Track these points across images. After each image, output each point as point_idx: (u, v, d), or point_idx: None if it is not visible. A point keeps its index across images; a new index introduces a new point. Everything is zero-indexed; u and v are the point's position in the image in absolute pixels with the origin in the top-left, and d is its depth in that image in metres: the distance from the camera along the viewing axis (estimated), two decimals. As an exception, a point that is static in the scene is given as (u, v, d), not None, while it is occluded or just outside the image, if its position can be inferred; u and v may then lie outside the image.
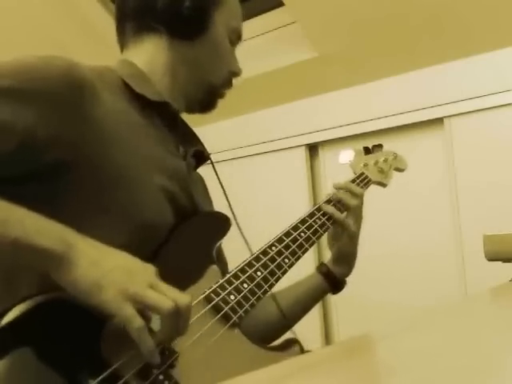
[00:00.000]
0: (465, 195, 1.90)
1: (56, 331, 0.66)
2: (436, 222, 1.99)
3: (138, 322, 0.64)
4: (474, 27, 1.83)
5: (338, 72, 2.13)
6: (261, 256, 0.90)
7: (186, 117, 1.01)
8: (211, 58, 0.95)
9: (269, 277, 0.88)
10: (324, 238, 1.09)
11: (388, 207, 2.00)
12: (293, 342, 0.89)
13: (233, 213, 0.96)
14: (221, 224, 0.92)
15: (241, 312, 0.81)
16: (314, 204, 1.06)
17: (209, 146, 1.01)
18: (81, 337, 0.66)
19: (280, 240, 0.95)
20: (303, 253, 0.96)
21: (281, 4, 2.11)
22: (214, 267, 0.86)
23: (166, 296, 0.66)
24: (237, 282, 0.84)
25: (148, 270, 0.69)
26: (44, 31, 2.30)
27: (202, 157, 1.00)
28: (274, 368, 0.51)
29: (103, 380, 0.64)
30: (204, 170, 1.03)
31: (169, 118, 0.93)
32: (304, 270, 1.09)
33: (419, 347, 0.50)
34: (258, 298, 0.85)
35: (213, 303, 0.79)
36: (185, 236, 0.86)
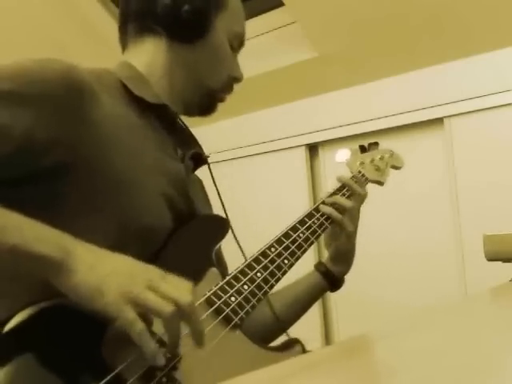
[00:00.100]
0: (465, 195, 1.90)
1: (58, 336, 0.66)
2: (436, 221, 1.99)
3: (138, 325, 0.64)
4: (474, 27, 1.83)
5: (337, 72, 2.13)
6: (260, 257, 0.90)
7: (184, 119, 1.01)
8: (210, 61, 0.95)
9: (269, 278, 0.89)
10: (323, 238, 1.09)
11: (388, 207, 2.00)
12: (294, 342, 0.89)
13: (226, 215, 0.96)
14: (220, 227, 0.92)
15: (242, 314, 0.82)
16: (314, 204, 1.07)
17: (209, 146, 1.01)
18: (83, 341, 0.66)
19: (279, 241, 0.95)
20: (302, 253, 0.96)
21: (281, 4, 2.11)
22: (214, 270, 0.86)
23: (167, 299, 0.66)
24: (237, 284, 0.84)
25: (148, 272, 0.69)
26: (44, 31, 2.30)
27: (200, 159, 1.00)
28: (275, 368, 0.51)
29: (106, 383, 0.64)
30: (203, 172, 1.03)
31: (167, 121, 0.94)
32: (304, 269, 1.09)
33: (419, 347, 0.50)
34: (259, 300, 0.85)
35: (215, 306, 0.79)
36: (184, 239, 0.86)
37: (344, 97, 2.18)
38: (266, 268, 0.89)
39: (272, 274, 0.89)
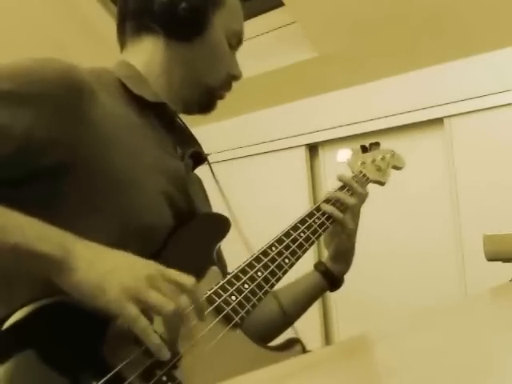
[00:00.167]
0: (465, 195, 1.90)
1: (59, 334, 0.66)
2: (436, 221, 1.99)
3: (142, 321, 0.64)
4: (474, 27, 1.83)
5: (338, 72, 2.13)
6: (261, 256, 0.90)
7: (187, 116, 1.01)
8: (208, 59, 0.95)
9: (269, 277, 0.89)
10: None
11: (388, 207, 2.00)
12: (294, 342, 0.89)
13: (232, 212, 0.96)
14: (221, 225, 0.92)
15: (242, 313, 0.82)
16: (314, 204, 1.07)
17: (209, 146, 1.01)
18: (84, 339, 0.66)
19: (280, 240, 0.95)
20: (303, 252, 0.96)
21: (281, 4, 2.11)
22: (215, 269, 0.87)
23: (168, 295, 0.66)
24: (238, 283, 0.84)
25: (149, 268, 0.69)
26: (44, 31, 2.30)
27: (199, 158, 1.01)
28: (275, 368, 0.51)
29: (107, 382, 0.64)
30: (203, 171, 1.03)
31: (166, 119, 0.94)
32: (304, 269, 1.09)
33: (419, 347, 0.50)
34: (259, 299, 0.85)
35: (215, 305, 0.79)
36: (185, 238, 0.86)
37: (344, 97, 2.18)
38: (266, 267, 0.89)
39: (273, 273, 0.89)
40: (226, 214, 0.96)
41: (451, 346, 0.50)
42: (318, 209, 1.04)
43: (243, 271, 0.86)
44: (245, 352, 0.81)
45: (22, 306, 0.65)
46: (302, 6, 1.99)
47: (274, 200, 2.33)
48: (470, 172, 1.90)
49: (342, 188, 1.10)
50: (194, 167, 1.02)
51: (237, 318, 0.81)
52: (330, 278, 1.09)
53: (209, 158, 1.01)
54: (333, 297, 2.17)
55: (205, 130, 1.33)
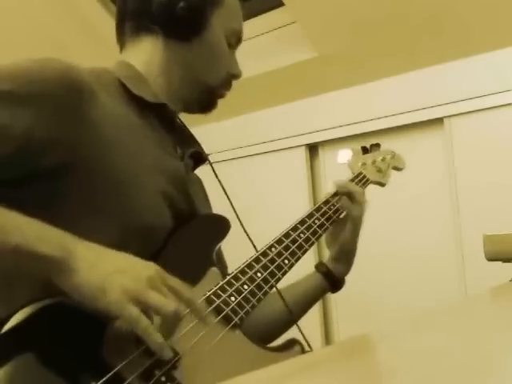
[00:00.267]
0: (465, 195, 1.90)
1: (57, 335, 0.66)
2: (436, 221, 1.99)
3: (144, 321, 0.64)
4: (474, 27, 1.83)
5: (338, 72, 2.13)
6: (261, 257, 0.90)
7: (187, 116, 1.01)
8: (207, 59, 0.95)
9: (269, 278, 0.88)
10: (323, 238, 1.09)
11: (388, 207, 2.00)
12: (294, 343, 0.89)
13: (236, 212, 0.96)
14: (220, 226, 0.92)
15: (242, 313, 0.82)
16: (314, 204, 1.07)
17: (209, 146, 1.01)
18: (83, 340, 0.66)
19: (279, 241, 0.95)
20: (303, 253, 0.96)
21: (281, 4, 2.11)
22: (215, 269, 0.87)
23: (168, 296, 0.67)
24: (237, 284, 0.84)
25: (149, 268, 0.69)
26: (44, 31, 2.30)
27: (199, 158, 1.00)
28: (274, 368, 0.51)
29: (106, 382, 0.64)
30: (204, 171, 1.03)
31: (166, 120, 0.94)
32: (304, 270, 1.09)
33: (419, 347, 0.50)
34: (259, 299, 0.85)
35: (214, 305, 0.79)
36: (185, 238, 0.86)
37: (344, 97, 2.18)
38: (266, 268, 0.89)
39: (272, 274, 0.89)
40: (227, 213, 0.95)
41: (451, 347, 0.50)
42: (317, 210, 1.04)
43: (243, 272, 0.86)
44: (244, 352, 0.81)
45: (21, 307, 0.65)
46: (302, 5, 1.99)
47: (274, 200, 2.33)
48: (470, 172, 1.90)
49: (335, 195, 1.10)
50: (195, 167, 1.02)
51: (236, 319, 0.81)
52: (332, 280, 1.09)
53: (209, 158, 1.01)
54: (333, 297, 2.17)
55: (205, 129, 1.33)
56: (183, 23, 0.91)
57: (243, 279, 0.85)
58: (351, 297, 1.99)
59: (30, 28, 2.30)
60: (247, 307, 0.83)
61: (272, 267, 0.90)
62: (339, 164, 2.21)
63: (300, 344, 0.89)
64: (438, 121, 1.98)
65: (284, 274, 0.92)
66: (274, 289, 0.92)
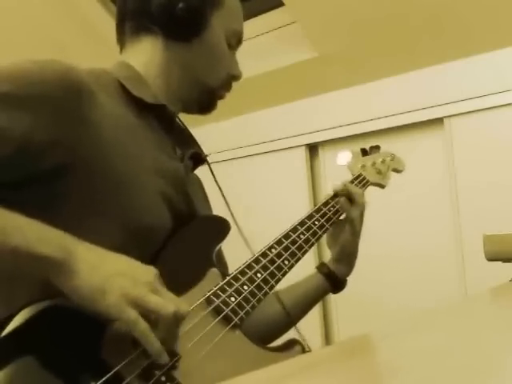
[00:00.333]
0: (465, 195, 1.90)
1: (57, 337, 0.66)
2: (436, 222, 1.99)
3: (142, 324, 0.64)
4: (474, 27, 1.83)
5: (338, 72, 2.13)
6: (260, 258, 0.90)
7: (187, 116, 1.01)
8: (207, 59, 0.94)
9: (269, 278, 0.88)
10: (323, 239, 1.09)
11: (388, 207, 2.00)
12: (294, 343, 0.89)
13: (232, 214, 0.96)
14: (220, 227, 0.92)
15: (241, 314, 0.81)
16: (314, 204, 1.07)
17: (209, 146, 1.01)
18: (82, 341, 0.66)
19: (279, 242, 0.95)
20: (303, 254, 0.96)
21: (281, 4, 2.11)
22: (215, 270, 0.86)
23: (167, 299, 0.67)
24: (237, 284, 0.84)
25: (149, 273, 0.69)
26: (44, 31, 2.30)
27: (199, 159, 1.00)
28: (274, 368, 0.51)
29: (105, 382, 0.64)
30: (203, 171, 1.03)
31: (165, 121, 0.93)
32: (304, 270, 1.09)
33: (419, 347, 0.50)
34: (259, 300, 0.85)
35: (214, 305, 0.79)
36: (185, 239, 0.86)
37: (344, 97, 2.18)
38: (266, 268, 0.89)
39: (272, 275, 0.89)
40: (227, 214, 0.95)
41: (451, 347, 0.50)
42: (317, 211, 1.04)
43: (242, 272, 0.86)
44: (244, 353, 0.81)
45: (21, 308, 0.65)
46: (302, 5, 1.99)
47: (274, 200, 2.33)
48: (470, 172, 1.90)
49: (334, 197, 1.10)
50: (194, 168, 1.02)
51: (236, 319, 0.81)
52: (333, 281, 1.09)
53: (209, 158, 1.01)
54: (333, 297, 2.16)
55: (204, 130, 1.33)
56: (182, 24, 0.90)
57: (243, 280, 0.85)
58: (351, 297, 1.99)
59: (30, 28, 2.30)
60: (247, 307, 0.83)
61: (272, 268, 0.90)
62: (340, 165, 2.21)
63: (300, 344, 0.89)
64: (438, 121, 1.98)
65: (284, 274, 0.92)
66: (275, 289, 0.92)
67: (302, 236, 0.98)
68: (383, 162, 1.24)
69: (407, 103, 2.03)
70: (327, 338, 2.23)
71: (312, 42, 2.08)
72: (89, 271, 0.65)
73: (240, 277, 0.85)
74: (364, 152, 1.26)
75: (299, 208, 2.16)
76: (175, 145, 0.95)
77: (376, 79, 2.09)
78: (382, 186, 1.22)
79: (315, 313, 2.16)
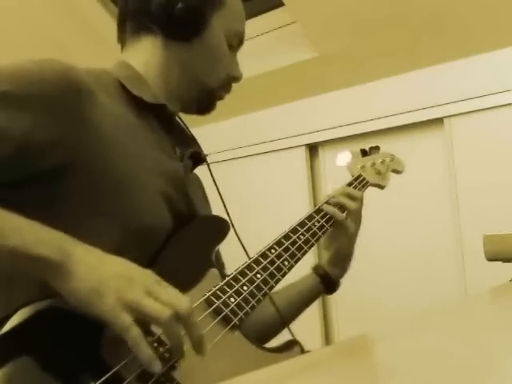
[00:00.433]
0: (465, 195, 1.90)
1: (56, 337, 0.65)
2: (436, 222, 1.99)
3: (134, 331, 0.63)
4: (474, 27, 1.83)
5: (338, 72, 2.13)
6: (260, 259, 0.90)
7: (186, 116, 1.01)
8: (207, 60, 0.94)
9: (268, 279, 0.88)
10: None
11: (388, 207, 2.00)
12: (293, 344, 0.89)
13: (228, 215, 0.96)
14: (220, 228, 0.92)
15: (241, 314, 0.81)
16: (314, 204, 1.07)
17: (209, 146, 1.01)
18: (81, 341, 0.66)
19: (279, 243, 0.95)
20: (302, 255, 0.96)
21: (281, 4, 2.11)
22: (214, 270, 0.86)
23: (164, 304, 0.66)
24: (237, 285, 0.84)
25: (146, 276, 0.68)
26: (44, 31, 2.30)
27: (198, 158, 1.00)
28: (274, 368, 0.51)
29: (105, 382, 0.64)
30: (203, 171, 1.03)
31: (165, 120, 0.93)
32: (304, 271, 1.09)
33: (419, 347, 0.50)
34: (258, 301, 0.85)
35: (213, 306, 0.79)
36: (184, 240, 0.86)
37: (344, 97, 2.18)
38: (265, 269, 0.89)
39: (272, 276, 0.89)
40: (224, 214, 0.95)
41: (451, 347, 0.50)
42: (318, 211, 1.04)
43: (242, 273, 0.86)
44: (243, 353, 0.81)
45: (20, 307, 0.65)
46: (302, 5, 1.99)
47: (273, 200, 2.33)
48: (470, 172, 1.90)
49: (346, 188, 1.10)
50: (194, 167, 1.02)
51: (235, 320, 0.80)
52: (328, 282, 1.09)
53: (208, 158, 1.01)
54: (333, 298, 2.16)
55: (204, 130, 1.33)
56: (181, 24, 0.90)
57: (243, 280, 0.85)
58: (351, 297, 1.99)
59: (30, 28, 2.30)
60: (247, 308, 0.83)
61: (272, 269, 0.90)
62: (339, 165, 2.21)
63: (300, 345, 0.89)
64: (438, 121, 1.98)
65: (283, 275, 0.92)
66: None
67: (301, 237, 0.98)
68: (383, 162, 1.24)
69: (407, 103, 2.03)
70: (327, 338, 2.23)
71: (312, 42, 2.08)
72: (86, 274, 0.65)
73: (240, 277, 0.85)
74: (364, 153, 1.26)
75: (299, 208, 2.16)
76: (175, 144, 0.95)
77: (376, 79, 2.09)
78: (382, 187, 1.22)
79: (315, 313, 2.16)
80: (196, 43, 0.92)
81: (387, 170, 1.24)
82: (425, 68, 1.99)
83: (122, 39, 0.97)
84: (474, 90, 1.88)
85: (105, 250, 0.69)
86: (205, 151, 1.00)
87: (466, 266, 1.88)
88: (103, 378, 0.64)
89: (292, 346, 0.88)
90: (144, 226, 0.80)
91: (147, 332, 0.66)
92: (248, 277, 0.86)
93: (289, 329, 0.98)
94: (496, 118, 1.86)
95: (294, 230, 0.98)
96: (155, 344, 0.68)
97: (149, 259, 0.79)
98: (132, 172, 0.80)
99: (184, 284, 0.78)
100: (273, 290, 0.95)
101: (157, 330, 0.68)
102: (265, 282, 0.88)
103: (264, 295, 0.87)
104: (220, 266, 0.97)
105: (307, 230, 1.00)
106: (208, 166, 1.00)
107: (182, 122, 1.00)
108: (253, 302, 0.84)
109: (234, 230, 0.94)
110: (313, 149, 2.33)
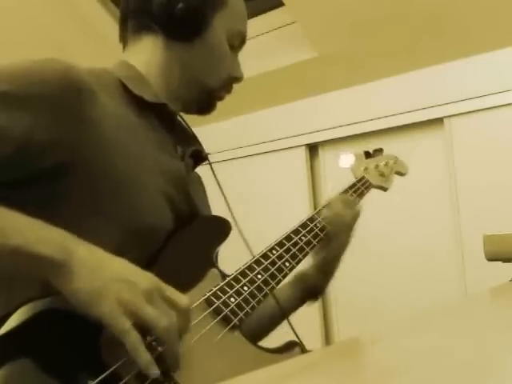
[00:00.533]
0: (465, 195, 1.90)
1: (54, 338, 0.65)
2: (436, 222, 1.99)
3: (132, 336, 0.63)
4: (474, 27, 1.83)
5: (338, 72, 2.13)
6: (261, 259, 0.90)
7: (187, 116, 1.01)
8: (207, 60, 0.94)
9: (269, 280, 0.88)
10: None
11: (388, 207, 2.00)
12: (294, 344, 0.89)
13: (232, 214, 0.96)
14: (221, 228, 0.92)
15: (241, 314, 0.81)
16: (314, 204, 1.07)
17: (209, 146, 1.01)
18: (80, 341, 0.66)
19: (281, 244, 0.94)
20: (304, 256, 0.96)
21: (281, 4, 2.11)
22: (215, 270, 0.86)
23: (163, 311, 0.66)
24: (237, 285, 0.83)
25: (148, 280, 0.68)
26: (44, 31, 2.30)
27: (200, 157, 1.00)
28: (274, 368, 0.51)
29: (103, 381, 0.64)
30: (203, 171, 1.03)
31: (166, 119, 0.93)
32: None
33: (419, 347, 0.50)
34: (259, 301, 0.85)
35: (213, 306, 0.79)
36: (185, 239, 0.86)
37: (344, 97, 2.18)
38: (266, 270, 0.89)
39: (273, 276, 0.89)
40: (227, 214, 0.95)
41: (451, 347, 0.50)
42: (319, 213, 1.04)
43: (243, 274, 0.86)
44: (243, 354, 0.81)
45: (20, 305, 0.65)
46: (302, 5, 1.99)
47: (273, 200, 2.33)
48: (470, 172, 1.90)
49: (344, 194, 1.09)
50: (195, 166, 1.01)
51: (235, 320, 0.80)
52: (311, 291, 1.07)
53: (209, 157, 1.01)
54: (333, 297, 2.17)
55: (204, 130, 1.33)
56: (182, 24, 0.90)
57: (243, 281, 0.85)
58: (351, 297, 1.99)
59: (30, 28, 2.30)
60: (247, 308, 0.82)
61: (273, 269, 0.90)
62: (340, 165, 2.21)
63: (300, 346, 0.89)
64: (438, 121, 1.98)
65: (285, 276, 0.91)
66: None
67: (303, 238, 0.98)
68: (386, 164, 1.24)
69: (407, 103, 2.03)
70: (327, 338, 2.23)
71: (312, 42, 2.08)
72: (88, 274, 0.64)
73: (240, 278, 0.85)
74: (367, 154, 1.26)
75: (299, 208, 2.17)
76: (176, 143, 0.95)
77: (376, 79, 2.09)
78: (385, 189, 1.22)
79: (315, 313, 2.16)
80: (197, 43, 0.92)
81: (390, 172, 1.24)
82: (425, 68, 1.99)
83: (124, 38, 0.97)
84: (474, 90, 1.88)
85: (105, 250, 0.69)
86: (205, 151, 1.00)
87: (466, 266, 1.88)
88: (101, 377, 0.64)
89: (293, 346, 0.88)
90: (145, 225, 0.80)
91: (144, 334, 0.66)
92: (249, 277, 0.86)
93: (292, 329, 0.97)
94: (496, 118, 1.86)
95: (295, 231, 0.98)
96: (154, 343, 0.68)
97: (149, 259, 0.79)
98: (133, 171, 0.80)
99: (184, 284, 0.78)
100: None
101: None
102: (265, 282, 0.87)
103: (265, 296, 0.87)
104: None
105: (309, 232, 0.99)
106: (210, 165, 1.00)
107: (184, 120, 1.00)
108: (253, 302, 0.84)
109: (239, 229, 0.94)
110: (313, 149, 2.33)
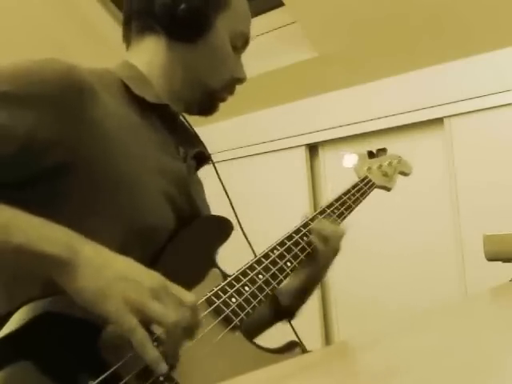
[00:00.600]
0: (465, 195, 1.90)
1: (54, 340, 0.65)
2: (436, 221, 1.99)
3: (140, 333, 0.63)
4: (474, 27, 1.83)
5: (338, 72, 2.13)
6: (262, 259, 0.90)
7: (188, 117, 1.01)
8: (210, 61, 0.94)
9: (270, 280, 0.88)
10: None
11: (388, 207, 2.00)
12: (294, 345, 0.89)
13: (235, 213, 0.96)
14: (223, 228, 0.92)
15: (242, 315, 0.81)
16: (314, 204, 1.06)
17: (209, 146, 1.01)
18: (80, 341, 0.66)
19: (282, 243, 0.94)
20: (305, 256, 0.96)
21: (281, 4, 2.11)
22: (216, 270, 0.86)
23: (170, 308, 0.66)
24: (238, 285, 0.83)
25: (153, 278, 0.68)
26: (44, 31, 2.30)
27: (202, 158, 1.00)
28: (274, 368, 0.51)
29: (103, 381, 0.64)
30: (205, 171, 1.03)
31: (168, 120, 0.93)
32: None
33: (419, 347, 0.50)
34: (260, 301, 0.85)
35: (214, 306, 0.79)
36: (186, 239, 0.86)
37: (344, 97, 2.18)
38: (267, 270, 0.89)
39: (274, 276, 0.89)
40: (227, 214, 0.95)
41: (451, 347, 0.50)
42: (321, 213, 1.04)
43: (244, 273, 0.86)
44: (244, 354, 0.81)
45: (21, 304, 0.65)
46: (302, 5, 1.99)
47: (274, 200, 2.33)
48: (470, 172, 1.90)
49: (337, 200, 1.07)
50: (198, 167, 1.01)
51: (236, 320, 0.80)
52: (282, 314, 1.03)
53: (212, 159, 1.01)
54: (333, 298, 2.17)
55: (205, 130, 1.33)
56: (184, 24, 0.90)
57: (244, 281, 0.85)
58: (351, 297, 1.99)
59: (30, 28, 2.30)
60: (248, 309, 0.82)
61: (274, 269, 0.90)
62: (339, 164, 2.21)
63: (300, 346, 0.89)
64: (438, 121, 1.98)
65: (286, 276, 0.91)
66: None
67: (305, 238, 0.98)
68: (390, 164, 1.24)
69: (407, 103, 2.03)
70: (327, 338, 2.23)
71: (312, 42, 2.08)
72: (93, 273, 0.64)
73: (241, 278, 0.85)
74: (370, 154, 1.26)
75: (299, 208, 2.16)
76: (178, 144, 0.95)
77: (376, 79, 2.09)
78: (388, 189, 1.21)
79: (315, 313, 2.16)
80: (200, 44, 0.92)
81: (394, 172, 1.24)
82: (425, 68, 1.99)
83: (127, 39, 0.97)
84: (474, 90, 1.88)
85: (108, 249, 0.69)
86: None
87: (466, 265, 1.88)
88: (102, 377, 0.64)
89: (293, 347, 0.88)
90: (147, 226, 0.80)
91: (149, 330, 0.66)
92: (250, 277, 0.86)
93: (293, 329, 0.97)
94: (496, 118, 1.86)
95: (297, 231, 0.98)
96: (154, 343, 0.68)
97: (151, 259, 0.79)
98: (134, 172, 0.80)
99: (185, 284, 0.78)
100: None
101: (157, 329, 0.68)
102: (267, 282, 0.87)
103: (266, 296, 0.87)
104: None
105: (310, 231, 0.99)
106: (213, 165, 1.00)
107: (186, 121, 1.00)
108: (254, 302, 0.84)
109: (242, 230, 0.94)
110: (313, 149, 2.33)
